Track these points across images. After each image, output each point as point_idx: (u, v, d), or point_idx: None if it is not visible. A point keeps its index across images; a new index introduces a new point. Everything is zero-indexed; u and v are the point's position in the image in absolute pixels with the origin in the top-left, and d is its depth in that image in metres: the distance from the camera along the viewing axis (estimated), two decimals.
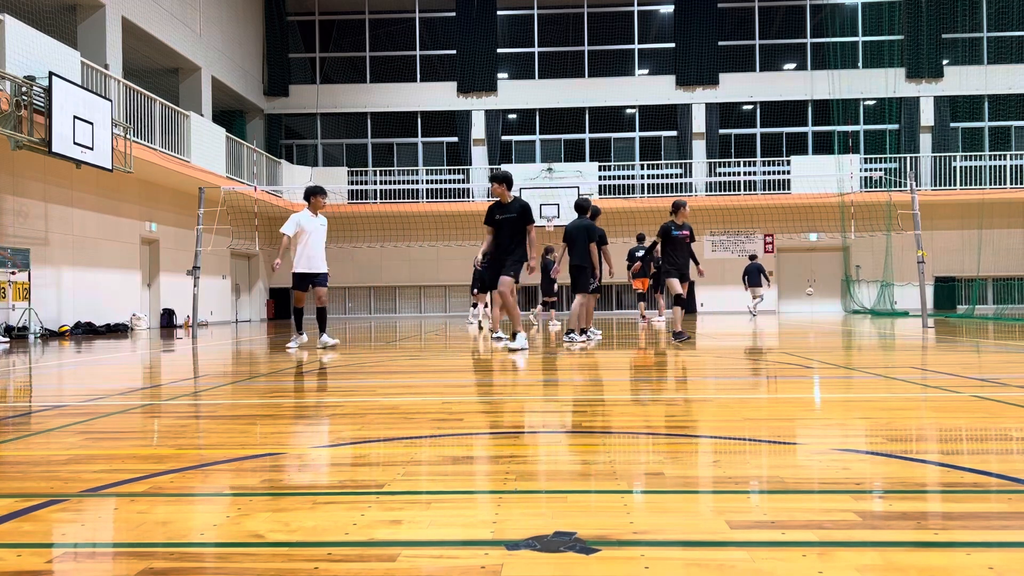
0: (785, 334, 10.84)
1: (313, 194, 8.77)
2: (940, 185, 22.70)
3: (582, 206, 9.38)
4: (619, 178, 23.42)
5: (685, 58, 23.70)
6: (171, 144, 16.26)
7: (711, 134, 23.58)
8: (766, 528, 1.80)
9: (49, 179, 13.61)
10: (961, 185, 22.54)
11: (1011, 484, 2.20)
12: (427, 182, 24.11)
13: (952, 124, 23.23)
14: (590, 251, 9.15)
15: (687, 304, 10.67)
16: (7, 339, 11.37)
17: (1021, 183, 22.41)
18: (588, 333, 9.62)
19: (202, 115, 18.63)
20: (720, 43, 23.80)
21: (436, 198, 23.61)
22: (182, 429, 3.40)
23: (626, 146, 24.48)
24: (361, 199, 23.27)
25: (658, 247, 9.75)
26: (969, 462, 2.49)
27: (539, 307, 16.11)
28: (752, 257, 18.75)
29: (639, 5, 24.28)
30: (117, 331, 14.73)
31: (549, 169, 22.34)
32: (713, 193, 22.82)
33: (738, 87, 23.76)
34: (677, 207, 9.22)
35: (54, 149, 11.37)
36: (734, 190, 23.03)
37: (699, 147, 23.67)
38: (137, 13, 16.25)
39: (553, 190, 20.99)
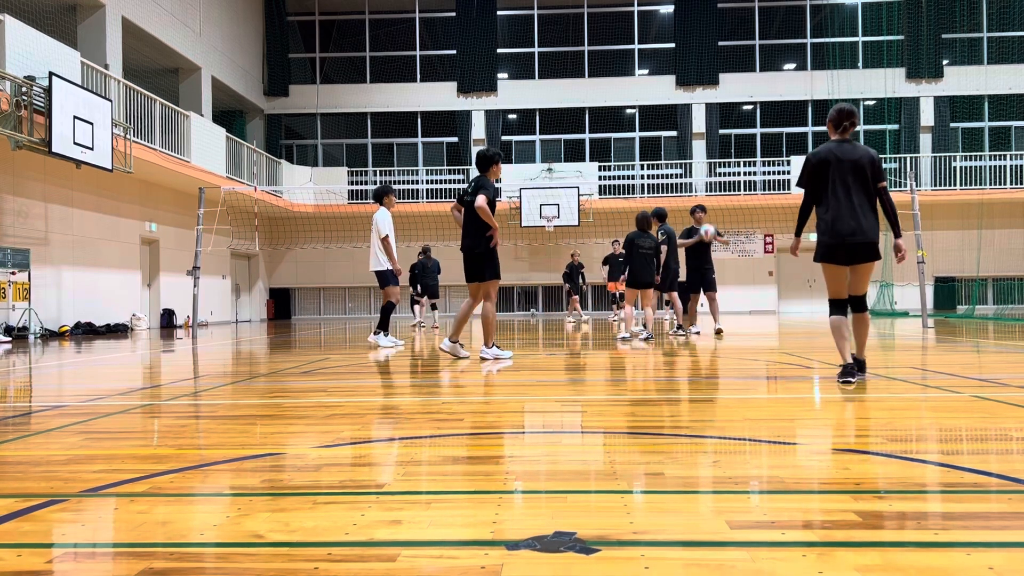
0: (785, 334, 10.84)
1: (386, 194, 8.88)
2: (940, 185, 22.70)
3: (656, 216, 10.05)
4: (619, 178, 23.42)
5: (685, 58, 23.69)
6: (171, 144, 16.26)
7: (711, 134, 23.58)
8: (766, 528, 1.80)
9: (49, 179, 13.60)
10: (961, 185, 22.54)
11: (1011, 484, 2.20)
12: (427, 182, 24.12)
13: (952, 124, 23.22)
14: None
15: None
16: (7, 339, 11.37)
17: (1021, 183, 22.40)
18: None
19: (202, 115, 18.63)
20: (720, 43, 23.79)
21: (436, 198, 23.60)
22: (182, 429, 3.40)
23: (626, 146, 24.47)
24: (361, 199, 23.25)
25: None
26: (969, 462, 2.49)
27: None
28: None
29: (639, 5, 24.28)
30: (117, 331, 14.73)
31: (549, 169, 22.34)
32: (713, 193, 22.81)
33: (738, 87, 23.75)
34: (846, 117, 4.74)
35: (54, 149, 11.37)
36: (734, 190, 23.03)
37: (699, 147, 23.66)
38: (137, 13, 16.24)
39: (553, 190, 21.02)
